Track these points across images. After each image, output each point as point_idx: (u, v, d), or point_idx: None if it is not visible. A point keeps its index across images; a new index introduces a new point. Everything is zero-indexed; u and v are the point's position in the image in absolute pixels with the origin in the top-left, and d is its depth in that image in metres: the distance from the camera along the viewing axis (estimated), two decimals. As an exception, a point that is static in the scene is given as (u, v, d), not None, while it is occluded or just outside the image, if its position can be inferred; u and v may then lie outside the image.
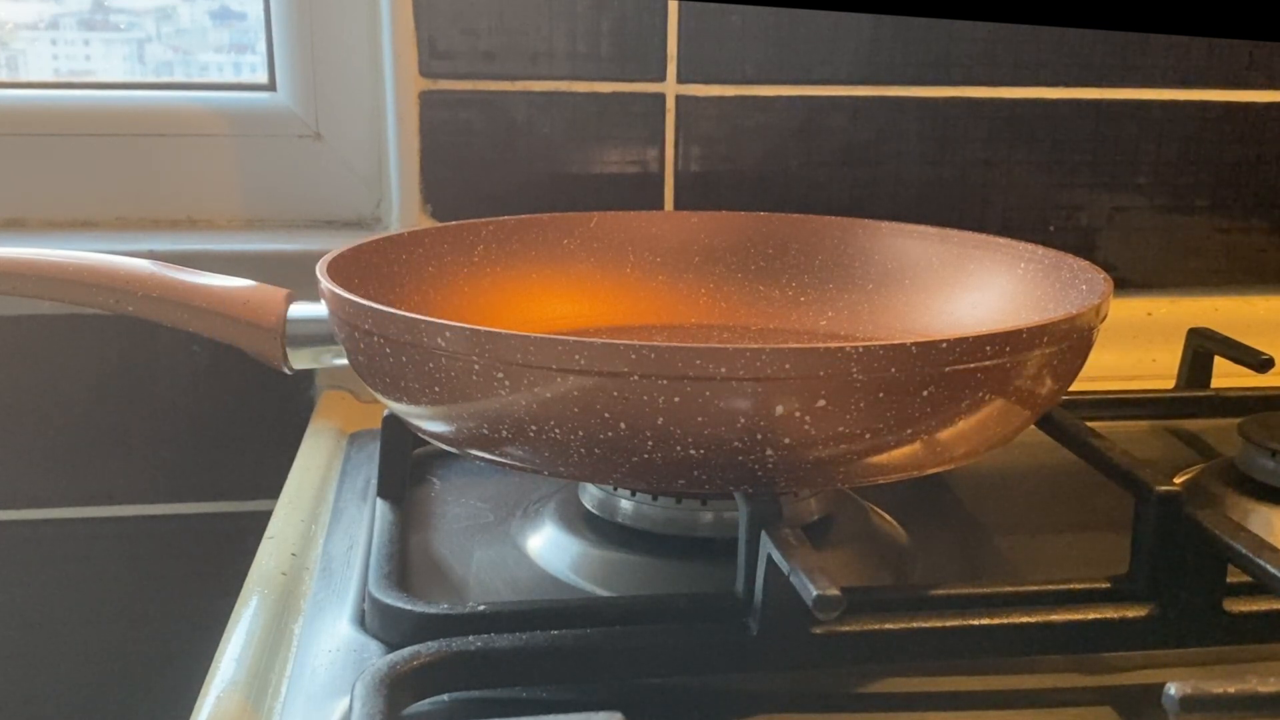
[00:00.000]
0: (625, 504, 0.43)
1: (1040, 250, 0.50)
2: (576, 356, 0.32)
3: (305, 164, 0.65)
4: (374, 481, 0.47)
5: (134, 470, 0.64)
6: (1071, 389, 0.44)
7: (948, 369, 0.34)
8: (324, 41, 0.64)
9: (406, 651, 0.32)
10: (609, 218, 0.56)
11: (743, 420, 0.33)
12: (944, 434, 0.37)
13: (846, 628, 0.35)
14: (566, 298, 0.54)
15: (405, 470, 0.48)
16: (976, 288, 0.51)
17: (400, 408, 0.39)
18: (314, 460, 0.53)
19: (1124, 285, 0.68)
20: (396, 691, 0.31)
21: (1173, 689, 0.29)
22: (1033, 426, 0.45)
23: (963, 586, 0.38)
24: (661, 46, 0.62)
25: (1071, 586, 0.38)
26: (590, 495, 0.44)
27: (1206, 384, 0.59)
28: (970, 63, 0.65)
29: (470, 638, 0.33)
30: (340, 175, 0.66)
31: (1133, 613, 0.37)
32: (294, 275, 0.53)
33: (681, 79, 0.63)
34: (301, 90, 0.65)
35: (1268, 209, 0.69)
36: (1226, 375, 0.59)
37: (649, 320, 0.54)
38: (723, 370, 0.32)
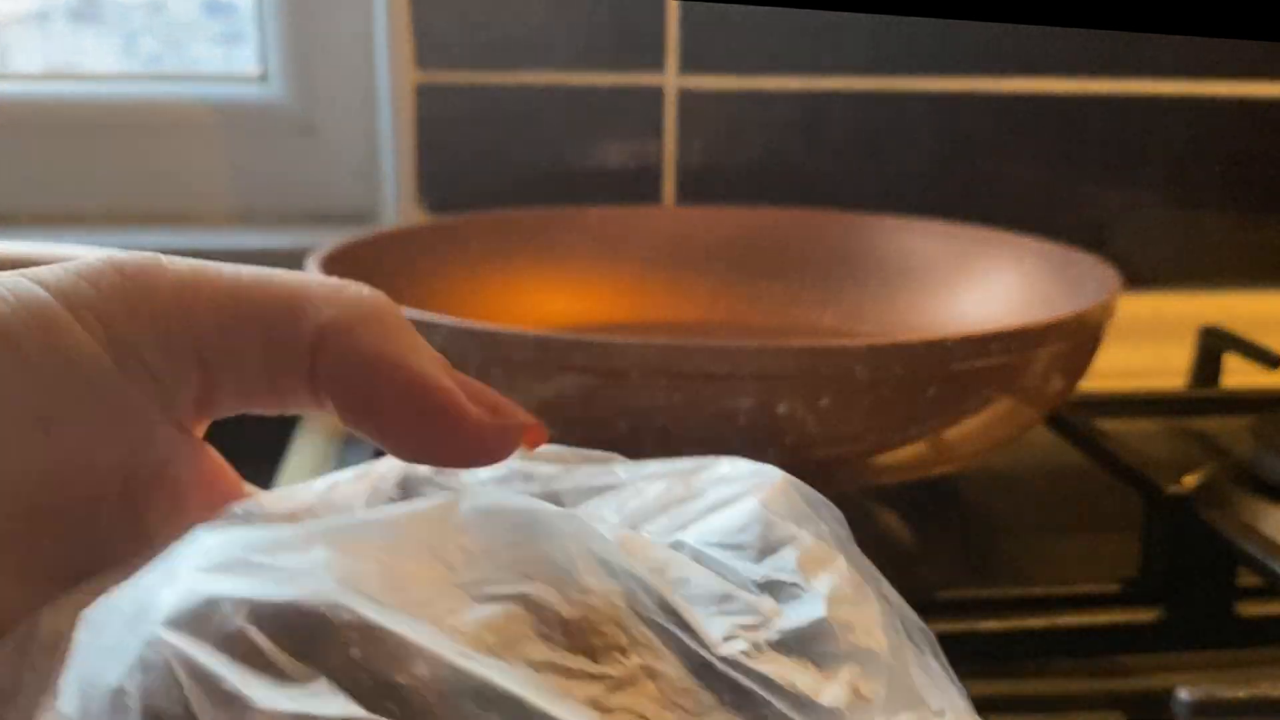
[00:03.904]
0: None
1: (1048, 246, 0.49)
2: (575, 355, 0.32)
3: (298, 157, 0.64)
4: (368, 481, 0.47)
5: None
6: (1080, 387, 0.43)
7: (954, 367, 0.34)
8: (317, 33, 0.63)
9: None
10: (608, 213, 0.56)
11: (744, 419, 0.32)
12: (950, 433, 0.36)
13: (850, 632, 0.34)
14: (565, 294, 0.53)
15: (400, 470, 0.47)
16: (983, 284, 0.50)
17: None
18: (306, 461, 0.53)
19: (1133, 281, 0.67)
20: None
21: (1183, 693, 0.29)
22: (1040, 426, 0.44)
23: (969, 589, 0.37)
24: (661, 38, 0.62)
25: (1080, 589, 0.38)
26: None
27: (1217, 382, 0.59)
28: (977, 55, 0.64)
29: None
30: (334, 169, 0.65)
31: (1143, 616, 0.36)
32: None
33: (682, 71, 0.62)
34: (294, 82, 0.64)
35: None
36: (1238, 373, 0.58)
37: (649, 317, 0.53)
38: (724, 369, 0.32)
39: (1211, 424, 0.56)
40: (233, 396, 0.17)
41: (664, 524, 0.17)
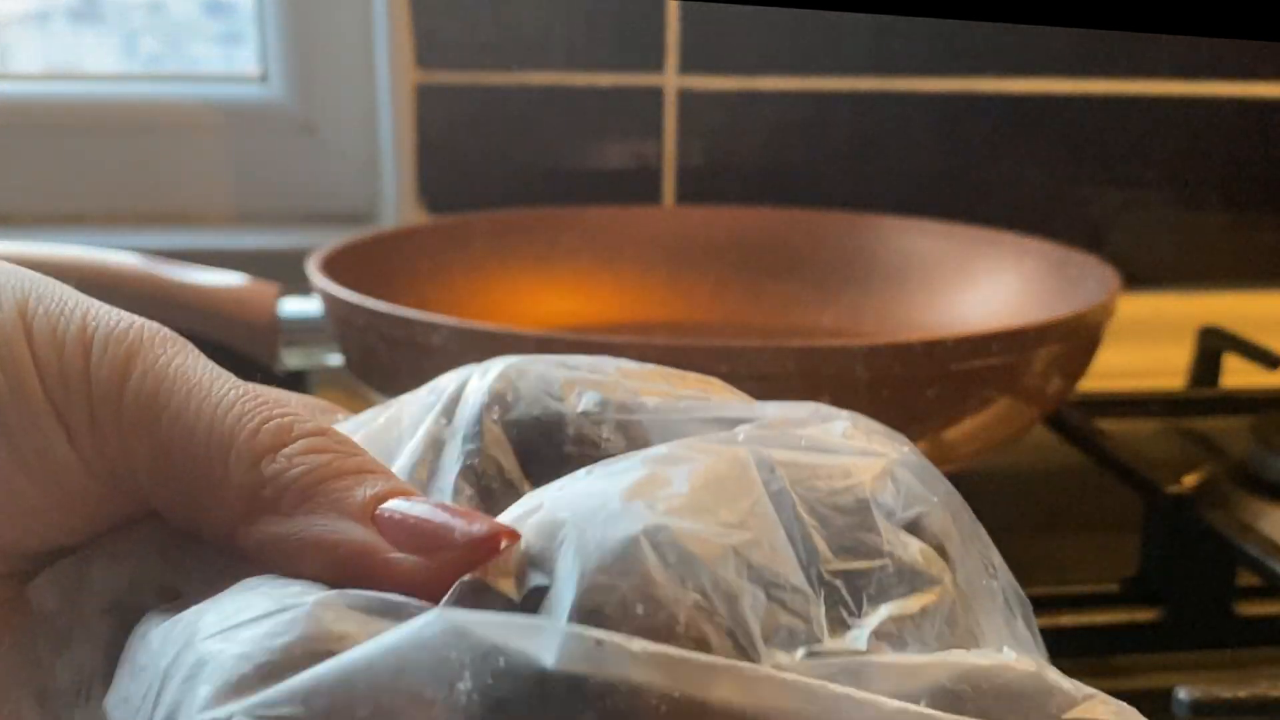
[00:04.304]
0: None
1: (1047, 246, 0.49)
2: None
3: (298, 157, 0.64)
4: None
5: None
6: (1080, 387, 0.43)
7: (953, 367, 0.34)
8: (317, 32, 0.63)
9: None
10: (608, 213, 0.55)
11: (744, 420, 0.32)
12: (950, 433, 0.36)
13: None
14: (564, 294, 0.53)
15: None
16: (982, 284, 0.50)
17: (393, 406, 0.38)
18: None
19: (1133, 282, 0.67)
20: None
21: (1183, 693, 0.29)
22: (1040, 426, 0.44)
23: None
24: (661, 38, 0.62)
25: (1080, 589, 0.38)
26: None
27: (1217, 383, 0.59)
28: (977, 55, 0.64)
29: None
30: (334, 169, 0.65)
31: (1142, 616, 0.36)
32: (287, 271, 0.52)
33: (682, 71, 0.62)
34: (294, 82, 0.64)
35: None
36: (1238, 373, 0.58)
37: (648, 318, 0.53)
38: (724, 369, 0.31)
39: (1211, 424, 0.56)
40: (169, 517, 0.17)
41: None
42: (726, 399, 0.18)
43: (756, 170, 0.64)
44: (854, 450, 0.17)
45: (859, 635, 0.15)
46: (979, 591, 0.16)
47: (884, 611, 0.15)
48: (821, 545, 0.16)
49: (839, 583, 0.15)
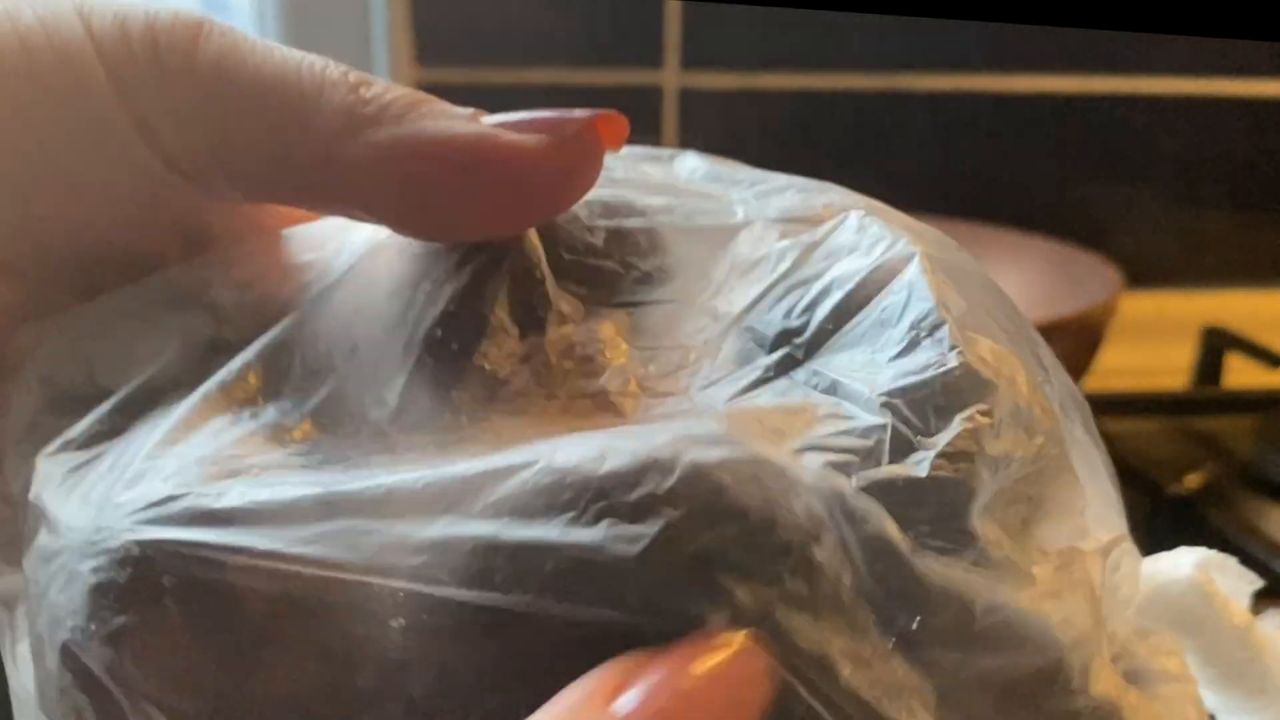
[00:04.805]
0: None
1: (1049, 245, 0.49)
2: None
3: (300, 158, 0.64)
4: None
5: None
6: (1082, 387, 0.43)
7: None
8: (317, 32, 0.63)
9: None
10: (608, 212, 0.55)
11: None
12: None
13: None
14: (564, 294, 0.53)
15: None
16: (984, 283, 0.50)
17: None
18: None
19: (1135, 281, 0.67)
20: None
21: None
22: (1041, 426, 0.44)
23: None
24: (661, 37, 0.61)
25: (1082, 591, 0.37)
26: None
27: (1220, 382, 0.58)
28: (978, 54, 0.64)
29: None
30: (334, 169, 0.65)
31: None
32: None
33: (682, 68, 0.62)
34: (294, 82, 0.64)
35: (1280, 202, 0.68)
36: (1241, 373, 0.58)
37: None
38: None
39: (1214, 424, 0.56)
40: (256, 192, 0.17)
41: (779, 305, 0.15)
42: (733, 200, 0.18)
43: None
44: (870, 251, 0.15)
45: (923, 458, 0.13)
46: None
47: (956, 425, 0.13)
48: (860, 386, 0.14)
49: (897, 402, 0.14)
